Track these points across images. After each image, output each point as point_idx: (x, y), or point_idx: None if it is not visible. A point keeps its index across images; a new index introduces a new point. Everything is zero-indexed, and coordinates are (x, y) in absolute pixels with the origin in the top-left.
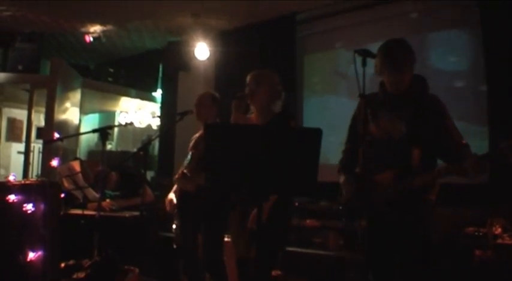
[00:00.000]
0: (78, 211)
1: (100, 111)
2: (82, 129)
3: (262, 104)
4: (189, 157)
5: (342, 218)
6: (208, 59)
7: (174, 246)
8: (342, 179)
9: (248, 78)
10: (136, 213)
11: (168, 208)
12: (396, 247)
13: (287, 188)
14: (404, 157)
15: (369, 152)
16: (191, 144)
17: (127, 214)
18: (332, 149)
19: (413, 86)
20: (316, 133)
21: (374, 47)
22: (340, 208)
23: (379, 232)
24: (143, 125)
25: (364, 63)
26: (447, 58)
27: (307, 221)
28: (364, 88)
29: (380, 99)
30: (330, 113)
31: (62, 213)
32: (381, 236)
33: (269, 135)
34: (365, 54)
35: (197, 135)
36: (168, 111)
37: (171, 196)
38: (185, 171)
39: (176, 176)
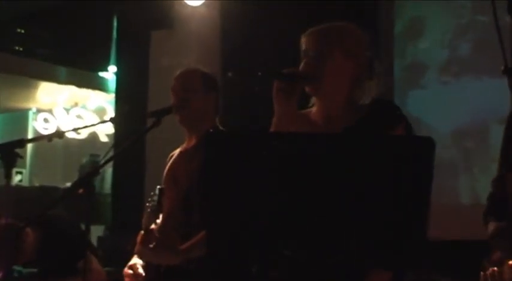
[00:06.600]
0: None
1: (1, 111)
2: None
3: (334, 90)
4: (156, 192)
5: None
6: (207, 7)
7: None
8: (491, 227)
9: (304, 40)
10: None
11: None
12: None
13: (368, 255)
14: None
15: None
16: (166, 170)
17: None
18: (460, 173)
19: None
20: (425, 147)
21: None
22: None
23: None
24: (83, 136)
25: (511, 11)
26: None
27: None
28: None
29: None
30: (451, 102)
31: None
32: None
33: (328, 151)
34: None
35: (176, 152)
36: (131, 109)
37: (135, 261)
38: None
39: (138, 241)
